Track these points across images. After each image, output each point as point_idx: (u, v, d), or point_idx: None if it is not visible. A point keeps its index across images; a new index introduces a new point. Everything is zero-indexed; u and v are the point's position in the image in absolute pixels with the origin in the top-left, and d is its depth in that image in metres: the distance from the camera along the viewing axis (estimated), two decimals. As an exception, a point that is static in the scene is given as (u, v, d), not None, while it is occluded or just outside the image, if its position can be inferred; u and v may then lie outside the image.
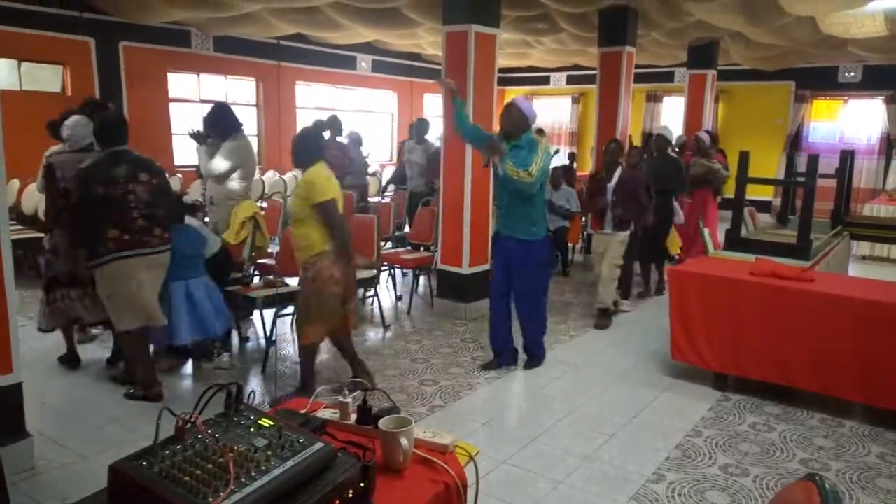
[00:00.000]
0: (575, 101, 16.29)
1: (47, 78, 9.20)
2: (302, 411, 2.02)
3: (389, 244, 7.28)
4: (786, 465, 3.54)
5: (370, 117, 14.53)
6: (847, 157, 7.09)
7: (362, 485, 1.57)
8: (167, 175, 4.87)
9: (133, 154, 4.06)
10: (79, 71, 9.30)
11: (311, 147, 4.08)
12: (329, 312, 4.09)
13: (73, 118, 4.49)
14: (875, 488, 3.34)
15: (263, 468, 1.41)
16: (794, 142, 13.64)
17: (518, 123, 4.54)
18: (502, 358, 4.96)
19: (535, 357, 5.00)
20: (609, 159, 6.04)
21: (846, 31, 8.47)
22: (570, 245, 8.39)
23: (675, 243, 7.12)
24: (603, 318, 6.08)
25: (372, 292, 5.99)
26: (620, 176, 5.89)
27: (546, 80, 16.64)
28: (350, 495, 1.53)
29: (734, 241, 5.48)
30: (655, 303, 6.90)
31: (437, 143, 8.09)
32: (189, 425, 1.47)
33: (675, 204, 6.94)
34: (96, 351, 4.96)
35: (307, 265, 4.05)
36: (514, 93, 17.14)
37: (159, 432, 1.43)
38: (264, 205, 7.26)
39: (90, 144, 4.35)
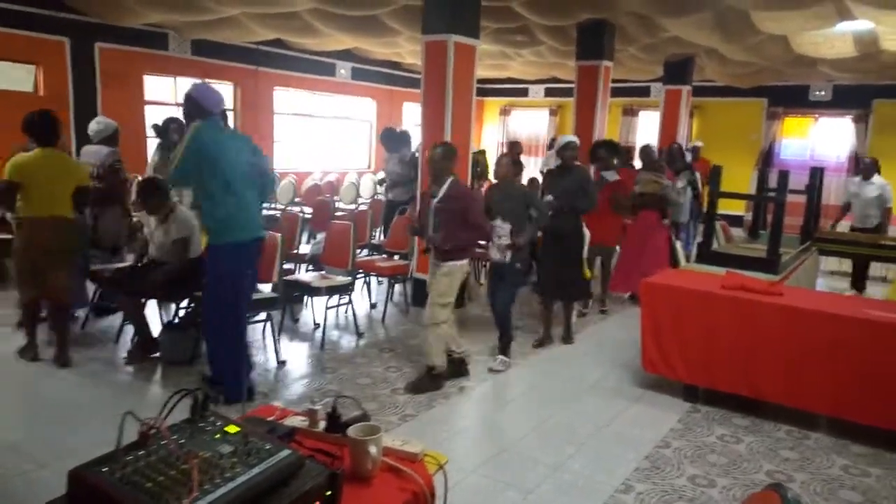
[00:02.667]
0: (552, 113, 16.42)
1: (20, 77, 9.04)
2: (270, 418, 2.00)
3: (366, 251, 7.25)
4: (752, 477, 3.58)
5: (348, 125, 14.51)
6: (817, 173, 7.24)
7: (329, 493, 1.56)
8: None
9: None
10: (52, 71, 9.16)
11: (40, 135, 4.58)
12: (17, 278, 4.65)
13: (96, 118, 5.83)
14: (838, 500, 3.39)
15: (228, 475, 1.39)
16: (767, 158, 13.89)
17: (192, 112, 3.90)
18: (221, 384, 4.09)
19: (220, 385, 4.04)
20: (435, 169, 4.54)
21: (817, 50, 8.70)
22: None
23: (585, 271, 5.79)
24: (426, 378, 4.57)
25: (346, 299, 5.95)
26: (446, 192, 4.49)
27: (524, 92, 16.76)
28: (317, 503, 1.52)
29: (706, 255, 5.56)
30: (626, 315, 6.94)
31: (413, 152, 8.09)
32: (153, 431, 1.45)
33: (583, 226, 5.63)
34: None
35: None
36: (493, 104, 17.25)
37: (122, 437, 1.40)
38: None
39: (106, 137, 5.63)
